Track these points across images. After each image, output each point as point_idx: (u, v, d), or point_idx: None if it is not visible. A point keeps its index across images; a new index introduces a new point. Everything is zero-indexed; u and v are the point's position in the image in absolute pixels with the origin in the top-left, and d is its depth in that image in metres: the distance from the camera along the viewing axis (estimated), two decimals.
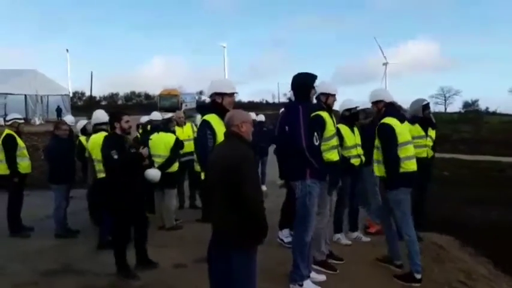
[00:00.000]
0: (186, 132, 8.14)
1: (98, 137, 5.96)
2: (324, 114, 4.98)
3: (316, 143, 4.52)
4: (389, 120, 4.82)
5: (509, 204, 8.63)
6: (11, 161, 6.93)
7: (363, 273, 5.06)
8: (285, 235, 5.97)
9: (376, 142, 4.96)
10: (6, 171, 6.93)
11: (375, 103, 5.09)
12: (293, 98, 5.60)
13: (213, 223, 3.41)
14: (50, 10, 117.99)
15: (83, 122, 7.75)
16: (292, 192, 5.97)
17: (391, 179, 4.77)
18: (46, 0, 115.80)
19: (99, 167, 5.93)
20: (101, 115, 6.48)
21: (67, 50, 48.34)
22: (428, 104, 5.93)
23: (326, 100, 5.10)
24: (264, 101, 74.84)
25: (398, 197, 4.76)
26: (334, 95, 5.13)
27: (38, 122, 28.59)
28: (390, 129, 4.76)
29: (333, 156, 5.01)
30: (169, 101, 41.04)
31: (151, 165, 5.97)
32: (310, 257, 4.70)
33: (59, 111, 32.82)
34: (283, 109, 5.28)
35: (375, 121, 5.42)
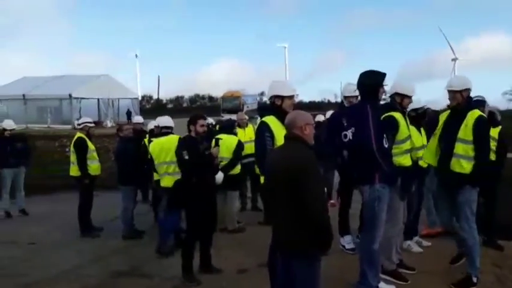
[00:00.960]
0: (248, 133, 8.08)
1: (162, 141, 6.11)
2: (397, 116, 4.65)
3: (386, 145, 4.24)
4: (483, 115, 4.52)
5: None
6: (82, 163, 7.23)
7: (435, 284, 4.70)
8: (347, 241, 5.72)
9: (465, 135, 4.46)
10: (78, 173, 7.26)
11: (460, 92, 4.61)
12: (346, 102, 5.52)
13: (274, 230, 3.29)
14: (120, 16, 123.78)
15: (153, 123, 7.81)
16: (345, 198, 5.90)
17: (476, 176, 4.38)
18: (115, 7, 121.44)
19: (160, 170, 6.04)
20: (164, 120, 6.57)
21: (136, 55, 50.64)
22: (482, 100, 5.40)
23: (401, 101, 4.76)
24: (326, 101, 73.74)
25: (473, 197, 4.46)
26: (410, 97, 4.77)
27: (109, 125, 30.12)
28: (487, 124, 4.50)
29: (406, 160, 4.69)
30: (232, 103, 41.58)
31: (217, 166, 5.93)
32: (378, 266, 4.44)
33: (128, 114, 34.33)
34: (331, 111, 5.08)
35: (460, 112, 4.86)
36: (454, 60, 55.39)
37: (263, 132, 4.02)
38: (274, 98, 4.16)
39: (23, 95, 32.28)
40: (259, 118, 6.21)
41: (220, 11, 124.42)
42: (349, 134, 4.22)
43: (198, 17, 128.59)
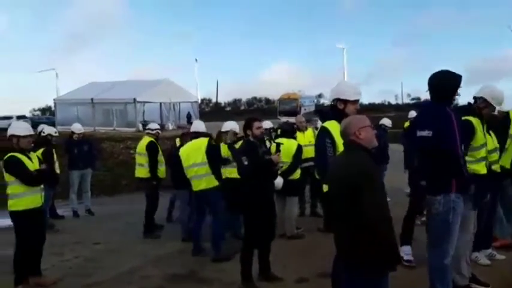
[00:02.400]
0: (308, 137, 7.91)
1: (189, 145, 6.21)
2: (475, 121, 4.31)
3: (464, 151, 3.93)
4: None
5: None
6: (154, 166, 7.48)
7: None
8: (406, 251, 5.32)
9: None
10: (147, 175, 7.48)
11: None
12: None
13: (336, 242, 3.11)
14: (179, 22, 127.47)
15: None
16: (416, 204, 5.40)
17: None
18: (176, 14, 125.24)
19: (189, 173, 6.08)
20: (195, 125, 6.61)
21: (196, 60, 51.58)
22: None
23: (484, 108, 4.42)
24: (386, 102, 71.64)
25: None
26: (495, 108, 4.42)
27: (171, 127, 30.98)
28: None
29: (481, 168, 4.32)
30: (289, 105, 41.36)
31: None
32: (450, 282, 4.10)
33: (189, 117, 35.15)
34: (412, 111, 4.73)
35: None
36: None
37: (323, 138, 3.81)
38: (336, 101, 3.94)
39: (91, 99, 33.97)
40: (319, 122, 6.08)
41: (277, 13, 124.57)
42: (421, 136, 3.91)
43: (255, 20, 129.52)
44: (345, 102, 3.88)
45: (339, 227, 3.04)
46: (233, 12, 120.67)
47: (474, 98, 4.46)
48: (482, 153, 4.35)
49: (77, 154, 9.12)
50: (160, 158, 7.70)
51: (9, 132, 5.10)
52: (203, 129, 6.49)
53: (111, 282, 5.37)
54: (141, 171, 7.65)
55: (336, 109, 3.92)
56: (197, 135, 6.38)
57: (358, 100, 3.92)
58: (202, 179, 6.01)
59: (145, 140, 7.80)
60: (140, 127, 31.19)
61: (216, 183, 6.03)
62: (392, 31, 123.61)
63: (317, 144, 3.95)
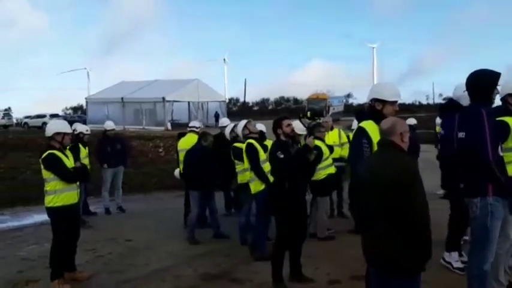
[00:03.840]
0: (332, 137, 7.83)
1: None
2: (510, 120, 4.15)
3: (501, 154, 3.79)
4: None
5: None
6: None
7: None
8: (455, 258, 5.14)
9: None
10: None
11: None
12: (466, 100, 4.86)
13: (368, 243, 3.06)
14: (208, 22, 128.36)
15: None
16: (458, 207, 5.24)
17: None
18: (205, 16, 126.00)
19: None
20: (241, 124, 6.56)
21: (224, 60, 51.96)
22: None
23: None
24: (417, 102, 70.34)
25: None
26: None
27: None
28: None
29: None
30: (318, 105, 41.16)
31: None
32: None
33: (216, 116, 35.42)
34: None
35: None
36: None
37: (360, 138, 3.73)
38: (374, 101, 3.86)
39: (122, 98, 34.61)
40: (356, 123, 5.98)
41: (306, 12, 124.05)
42: (459, 138, 3.86)
43: (284, 20, 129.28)
44: (383, 102, 3.79)
45: (375, 229, 2.96)
46: (261, 11, 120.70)
47: (501, 99, 4.28)
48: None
49: (110, 152, 9.27)
50: None
51: (54, 129, 5.20)
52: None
53: (145, 279, 5.43)
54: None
55: (374, 109, 3.84)
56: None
57: (396, 101, 3.83)
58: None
59: (191, 136, 7.90)
60: (169, 126, 31.66)
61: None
62: (426, 30, 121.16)
63: (353, 144, 3.90)
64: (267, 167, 5.61)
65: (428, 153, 11.14)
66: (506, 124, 4.11)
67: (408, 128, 3.13)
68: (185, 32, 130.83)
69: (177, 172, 8.05)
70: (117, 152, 9.45)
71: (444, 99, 67.16)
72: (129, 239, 7.26)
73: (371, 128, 3.72)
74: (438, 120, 10.16)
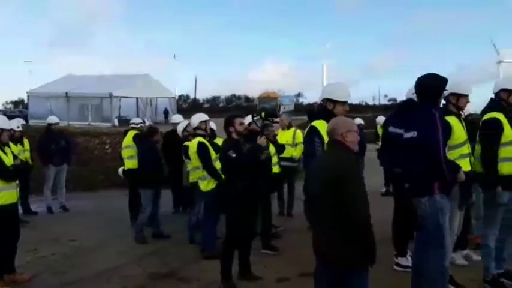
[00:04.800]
0: (286, 136, 7.87)
1: (193, 143, 6.07)
2: (452, 120, 4.32)
3: (447, 153, 3.95)
4: None
5: None
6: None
7: None
8: (410, 260, 5.09)
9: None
10: (135, 166, 7.31)
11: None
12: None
13: (319, 240, 3.16)
14: (159, 18, 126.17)
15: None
16: (402, 204, 5.41)
17: None
18: (154, 8, 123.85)
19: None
20: (196, 118, 6.38)
21: (174, 56, 51.20)
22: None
23: (457, 102, 4.44)
24: (364, 103, 72.53)
25: None
26: (467, 96, 4.45)
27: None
28: None
29: (465, 165, 4.27)
30: (269, 104, 41.43)
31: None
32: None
33: (166, 113, 34.87)
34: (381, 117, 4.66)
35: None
36: (500, 63, 53.25)
37: (312, 137, 3.83)
38: (326, 101, 3.95)
39: (66, 93, 33.28)
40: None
41: (258, 11, 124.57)
42: (408, 137, 3.93)
43: (236, 18, 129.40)
44: (335, 102, 3.90)
45: (322, 226, 3.08)
46: (213, 8, 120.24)
47: (444, 99, 4.44)
48: (464, 150, 4.34)
49: (54, 149, 8.92)
50: None
51: None
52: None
53: (89, 280, 5.27)
54: (130, 163, 7.57)
55: (325, 109, 3.94)
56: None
57: (346, 102, 3.94)
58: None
59: (132, 133, 7.89)
60: (116, 122, 30.82)
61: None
62: (375, 34, 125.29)
63: (306, 143, 3.95)
64: (217, 165, 5.61)
65: (373, 153, 11.53)
66: (448, 123, 4.30)
67: (353, 128, 3.20)
68: (134, 26, 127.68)
69: (120, 170, 7.88)
70: (61, 149, 9.10)
71: (389, 100, 69.86)
72: (73, 239, 7.00)
73: (322, 127, 3.81)
74: (379, 119, 10.52)
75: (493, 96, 4.63)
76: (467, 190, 4.37)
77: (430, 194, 3.83)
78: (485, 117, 4.56)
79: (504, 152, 4.39)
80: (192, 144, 6.09)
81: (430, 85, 4.00)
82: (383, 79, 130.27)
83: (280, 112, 34.92)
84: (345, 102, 3.93)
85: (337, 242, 2.98)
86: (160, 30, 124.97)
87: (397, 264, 5.17)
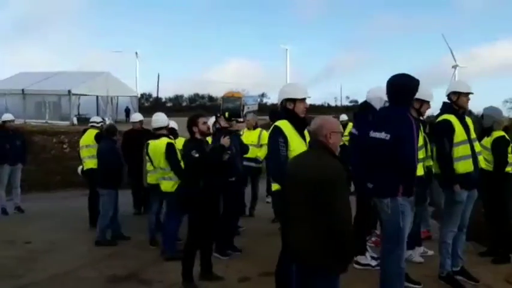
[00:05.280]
0: (251, 137, 7.85)
1: (159, 144, 5.92)
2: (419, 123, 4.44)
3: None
4: None
5: None
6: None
7: None
8: (369, 258, 5.29)
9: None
10: (96, 166, 7.11)
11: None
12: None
13: (293, 242, 3.07)
14: (121, 14, 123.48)
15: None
16: (365, 205, 5.36)
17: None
18: (116, 5, 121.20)
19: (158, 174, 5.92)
20: (162, 118, 6.31)
21: (136, 53, 50.14)
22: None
23: (420, 107, 4.59)
24: (326, 104, 73.67)
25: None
26: (428, 103, 4.59)
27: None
28: None
29: (420, 170, 4.38)
30: (233, 103, 41.37)
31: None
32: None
33: (127, 111, 34.18)
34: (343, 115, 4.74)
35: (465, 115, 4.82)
36: (455, 67, 55.35)
37: (276, 137, 3.81)
38: (285, 101, 3.97)
39: (22, 90, 32.06)
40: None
41: (224, 10, 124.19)
42: (376, 137, 3.93)
43: (201, 16, 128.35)
44: (294, 101, 3.92)
45: (300, 228, 2.97)
46: (177, 6, 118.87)
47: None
48: (421, 154, 4.47)
49: (9, 148, 8.58)
50: None
51: None
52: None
53: (45, 284, 5.09)
54: (91, 162, 7.34)
55: (286, 109, 3.96)
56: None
57: (305, 99, 3.96)
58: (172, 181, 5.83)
59: (92, 132, 7.63)
60: (75, 120, 29.96)
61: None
62: (337, 36, 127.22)
63: (270, 143, 3.92)
64: None
65: None
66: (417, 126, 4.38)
67: (338, 130, 3.15)
68: (95, 22, 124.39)
69: (79, 170, 7.67)
70: (17, 148, 8.76)
71: (351, 101, 71.29)
72: (28, 241, 6.74)
73: (286, 127, 3.85)
74: (342, 117, 10.65)
75: (445, 99, 4.80)
76: (423, 193, 4.50)
77: (393, 196, 3.85)
78: (438, 119, 4.72)
79: (458, 151, 4.55)
80: (159, 144, 5.91)
81: (403, 85, 4.00)
82: (345, 80, 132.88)
83: (244, 112, 34.93)
84: (304, 99, 3.95)
85: (315, 244, 2.89)
86: (122, 27, 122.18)
87: (357, 263, 5.25)
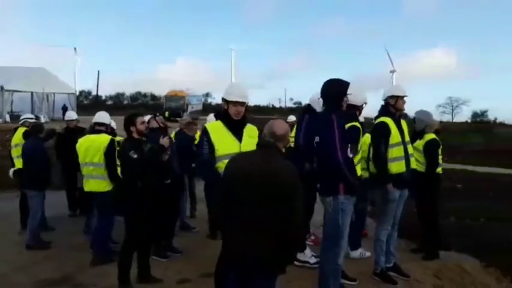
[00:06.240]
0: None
1: (99, 138, 5.69)
2: (359, 125, 4.52)
3: (351, 156, 4.13)
4: None
5: None
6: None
7: None
8: (308, 255, 5.35)
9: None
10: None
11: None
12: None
13: (236, 243, 3.00)
14: (60, 7, 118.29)
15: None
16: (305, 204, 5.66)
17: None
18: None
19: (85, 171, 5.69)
20: (105, 116, 6.08)
21: (75, 49, 48.11)
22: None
23: (358, 111, 4.76)
24: (271, 105, 74.64)
25: None
26: (359, 107, 4.76)
27: (43, 120, 28.41)
28: None
29: (358, 170, 4.59)
30: (176, 103, 40.83)
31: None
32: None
33: (64, 109, 32.72)
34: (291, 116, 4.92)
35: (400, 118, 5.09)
36: (393, 72, 57.89)
37: (202, 137, 3.97)
38: (223, 101, 4.00)
39: None
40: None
41: (169, 9, 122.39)
42: (316, 141, 4.13)
43: (145, 13, 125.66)
44: (227, 102, 3.94)
45: (245, 229, 2.93)
46: (120, 4, 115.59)
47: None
48: (359, 156, 4.63)
49: None
50: None
51: None
52: (106, 121, 6.05)
53: None
54: (20, 162, 6.87)
55: (223, 109, 3.99)
56: (100, 128, 5.89)
57: (238, 102, 3.92)
58: (99, 180, 5.60)
59: (21, 130, 7.24)
60: (7, 118, 28.33)
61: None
62: (284, 38, 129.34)
63: (198, 143, 4.06)
64: None
65: None
66: (358, 128, 4.50)
67: (288, 132, 3.20)
68: (32, 15, 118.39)
69: (11, 172, 7.23)
70: None
71: (295, 103, 72.65)
72: None
73: (214, 127, 3.94)
74: (290, 118, 10.85)
75: (382, 102, 5.01)
76: (363, 193, 4.67)
77: (335, 194, 4.02)
78: (376, 121, 4.94)
79: (392, 152, 4.78)
80: (99, 139, 5.65)
81: (331, 90, 4.20)
82: (291, 82, 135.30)
83: (188, 111, 34.56)
84: (236, 102, 3.92)
85: (263, 245, 2.86)
86: (61, 22, 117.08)
87: (296, 260, 5.34)
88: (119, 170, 5.37)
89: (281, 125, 3.14)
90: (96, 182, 5.62)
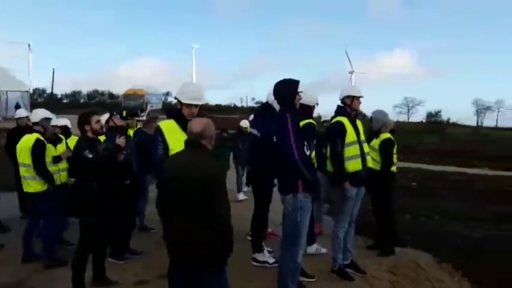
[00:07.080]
0: None
1: (30, 138, 5.45)
2: (314, 123, 4.67)
3: (307, 153, 4.19)
4: None
5: (490, 221, 8.36)
6: None
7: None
8: (267, 255, 5.37)
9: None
10: None
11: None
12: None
13: (177, 241, 3.09)
14: (14, 2, 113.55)
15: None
16: (260, 204, 5.58)
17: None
18: None
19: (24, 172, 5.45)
20: (41, 112, 5.79)
21: (29, 45, 46.46)
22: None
23: (310, 110, 4.89)
24: (232, 105, 74.56)
25: None
26: (313, 107, 4.89)
27: None
28: None
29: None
30: (135, 101, 40.01)
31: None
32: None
33: (17, 107, 31.40)
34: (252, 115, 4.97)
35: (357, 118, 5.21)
36: (351, 73, 59.19)
37: (156, 136, 3.92)
38: (176, 99, 3.97)
39: None
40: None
41: (131, 7, 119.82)
42: (274, 141, 4.19)
43: (107, 11, 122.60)
44: (181, 103, 3.90)
45: (186, 227, 3.02)
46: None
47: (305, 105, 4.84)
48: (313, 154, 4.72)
49: None
50: None
51: None
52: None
53: None
54: None
55: (177, 108, 3.96)
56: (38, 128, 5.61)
57: (192, 104, 3.90)
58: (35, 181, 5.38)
59: None
60: None
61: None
62: (249, 38, 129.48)
63: (153, 143, 4.00)
64: (63, 165, 5.44)
65: None
66: (313, 126, 4.59)
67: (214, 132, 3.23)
68: None
69: None
70: None
71: (256, 102, 72.86)
72: None
73: (167, 126, 3.91)
74: (242, 122, 10.92)
75: (339, 102, 5.11)
76: (318, 191, 4.73)
77: (294, 192, 4.07)
78: (332, 121, 5.04)
79: (349, 151, 4.89)
80: (28, 140, 5.43)
81: (282, 90, 4.28)
82: (254, 82, 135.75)
83: (147, 110, 33.97)
84: (188, 105, 3.90)
85: (201, 240, 2.97)
86: (15, 17, 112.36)
87: (255, 260, 5.36)
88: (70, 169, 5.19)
89: (197, 123, 3.18)
90: (28, 183, 5.40)
